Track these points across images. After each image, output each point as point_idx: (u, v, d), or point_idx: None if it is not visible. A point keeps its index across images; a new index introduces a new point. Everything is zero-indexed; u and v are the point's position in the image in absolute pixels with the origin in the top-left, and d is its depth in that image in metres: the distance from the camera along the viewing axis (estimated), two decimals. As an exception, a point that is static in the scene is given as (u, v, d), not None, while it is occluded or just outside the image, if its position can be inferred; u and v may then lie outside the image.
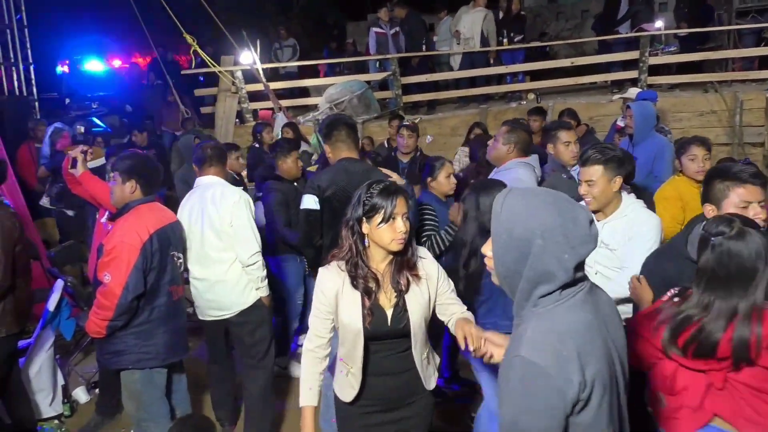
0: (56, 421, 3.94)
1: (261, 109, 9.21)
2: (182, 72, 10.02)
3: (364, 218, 2.14)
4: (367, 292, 2.17)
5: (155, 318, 3.05)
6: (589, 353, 1.38)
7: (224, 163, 3.57)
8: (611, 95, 8.78)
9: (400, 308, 2.20)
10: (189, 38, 8.26)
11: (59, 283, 4.04)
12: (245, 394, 3.63)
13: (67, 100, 14.84)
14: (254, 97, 9.56)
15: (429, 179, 3.83)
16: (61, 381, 4.07)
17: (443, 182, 3.81)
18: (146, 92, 11.84)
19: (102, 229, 3.63)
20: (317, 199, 3.15)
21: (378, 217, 2.11)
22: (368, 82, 9.37)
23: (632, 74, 8.48)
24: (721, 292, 1.92)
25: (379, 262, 2.21)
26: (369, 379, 2.24)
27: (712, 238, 1.94)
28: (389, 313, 2.20)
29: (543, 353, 1.36)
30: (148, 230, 2.97)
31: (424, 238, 3.57)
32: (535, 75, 9.83)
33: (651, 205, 3.44)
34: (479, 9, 9.17)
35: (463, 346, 2.10)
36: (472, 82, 9.46)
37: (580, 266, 1.43)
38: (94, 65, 16.11)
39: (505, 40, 9.08)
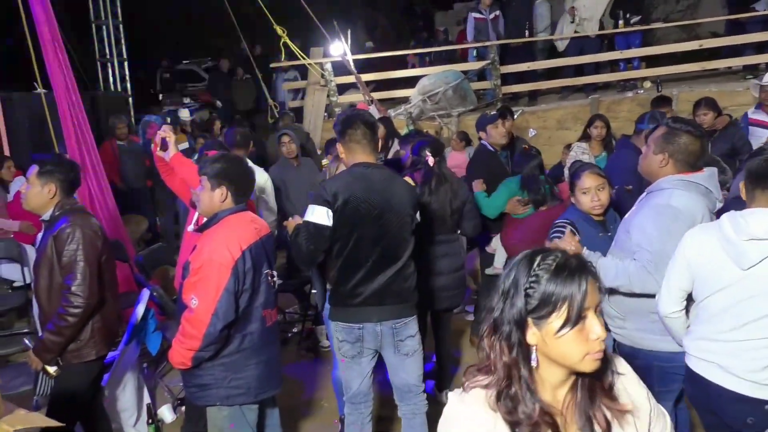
0: (140, 444, 3.63)
1: (359, 102, 8.76)
2: (271, 66, 9.75)
3: (530, 319, 1.28)
4: None
5: (247, 347, 2.61)
6: None
7: (247, 147, 4.53)
8: (745, 81, 7.69)
9: None
10: (279, 29, 7.93)
11: (145, 293, 3.72)
12: None
13: (161, 96, 15.18)
14: (342, 90, 9.18)
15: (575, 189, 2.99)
16: (146, 399, 3.76)
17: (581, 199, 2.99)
18: (236, 87, 11.77)
19: (189, 240, 3.24)
20: (330, 213, 2.73)
21: (557, 318, 1.26)
22: (464, 72, 8.73)
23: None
24: None
25: (554, 389, 1.33)
26: None
27: None
28: None
29: None
30: (241, 246, 2.52)
31: None
32: (651, 60, 8.83)
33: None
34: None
35: None
36: (579, 69, 8.59)
37: None
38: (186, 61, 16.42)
39: (621, 22, 8.14)
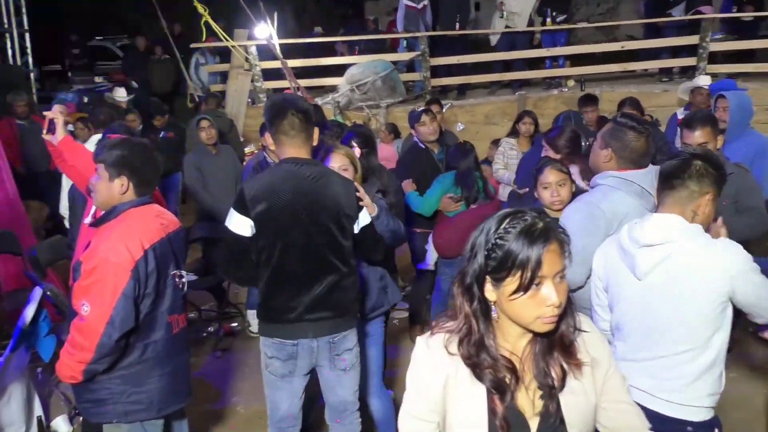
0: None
1: (281, 90, 8.42)
2: (192, 46, 9.19)
3: (488, 277, 1.33)
4: (498, 389, 1.36)
5: (150, 358, 2.32)
6: None
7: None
8: (661, 84, 7.97)
9: (552, 416, 1.38)
10: (200, 7, 7.47)
11: (37, 292, 3.32)
12: None
13: (70, 74, 14.12)
14: (268, 75, 8.80)
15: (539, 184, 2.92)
16: (38, 410, 3.36)
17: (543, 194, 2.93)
18: (153, 68, 11.05)
19: (85, 235, 2.89)
20: (249, 221, 2.41)
21: (513, 281, 1.30)
22: (394, 63, 8.57)
23: (690, 61, 7.64)
24: None
25: (515, 340, 1.40)
26: None
27: None
28: (534, 424, 1.38)
29: None
30: (143, 244, 2.23)
31: None
32: (574, 60, 9.01)
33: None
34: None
35: None
36: (508, 65, 8.63)
37: None
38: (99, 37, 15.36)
39: (548, 20, 8.23)
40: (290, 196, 2.42)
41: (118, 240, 2.19)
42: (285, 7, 13.06)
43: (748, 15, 8.15)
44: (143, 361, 2.31)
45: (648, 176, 2.38)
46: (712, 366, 1.92)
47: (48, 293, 3.43)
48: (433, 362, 1.42)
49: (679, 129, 4.26)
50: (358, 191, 2.61)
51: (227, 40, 8.21)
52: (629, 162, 2.41)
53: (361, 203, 2.60)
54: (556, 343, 1.39)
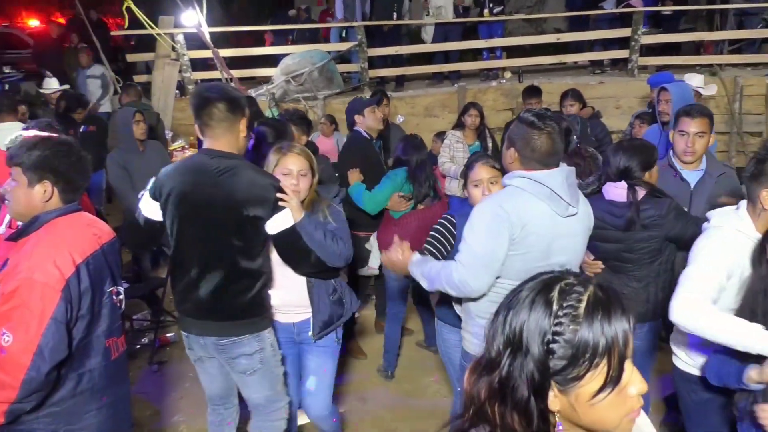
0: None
1: (210, 81, 7.97)
2: (112, 33, 8.56)
3: (554, 382, 0.97)
4: None
5: (85, 389, 2.01)
6: None
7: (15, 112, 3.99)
8: (596, 76, 8.13)
9: None
10: (121, -9, 6.93)
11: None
12: None
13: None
14: (197, 65, 8.34)
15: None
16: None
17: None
18: (69, 57, 10.26)
19: (1, 250, 2.50)
20: (158, 207, 2.45)
21: (594, 376, 0.95)
22: (330, 53, 8.31)
23: (623, 53, 7.81)
24: None
25: None
26: None
27: None
28: None
29: None
30: (74, 259, 1.91)
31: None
32: (511, 51, 9.05)
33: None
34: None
35: None
36: (446, 57, 8.56)
37: None
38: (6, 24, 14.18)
39: (485, 11, 8.20)
40: (191, 188, 2.36)
41: (45, 255, 1.87)
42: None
43: (672, 9, 8.42)
44: (78, 393, 1.99)
45: (557, 177, 2.18)
46: None
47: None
48: None
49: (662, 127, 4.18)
50: (281, 191, 2.41)
51: (152, 28, 7.68)
52: (534, 162, 2.19)
53: (281, 203, 2.39)
54: None
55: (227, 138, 2.39)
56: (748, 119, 6.99)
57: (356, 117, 4.24)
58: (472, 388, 1.04)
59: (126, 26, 7.88)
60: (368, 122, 4.14)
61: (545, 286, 0.99)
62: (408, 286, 3.86)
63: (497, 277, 2.20)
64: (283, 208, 2.39)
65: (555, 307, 0.96)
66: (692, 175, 3.16)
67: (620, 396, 0.96)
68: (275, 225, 2.39)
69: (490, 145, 5.62)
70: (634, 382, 0.97)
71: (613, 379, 0.95)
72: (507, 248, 2.16)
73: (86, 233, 2.02)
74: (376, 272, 4.10)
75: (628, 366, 0.97)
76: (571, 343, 0.94)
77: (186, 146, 7.27)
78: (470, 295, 2.22)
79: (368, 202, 3.77)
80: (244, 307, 2.45)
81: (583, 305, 0.95)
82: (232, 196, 2.33)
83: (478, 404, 1.03)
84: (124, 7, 7.14)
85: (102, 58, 8.18)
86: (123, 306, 2.19)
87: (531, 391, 0.96)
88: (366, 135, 4.19)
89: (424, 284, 2.34)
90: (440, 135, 5.95)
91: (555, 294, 0.97)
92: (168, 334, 4.54)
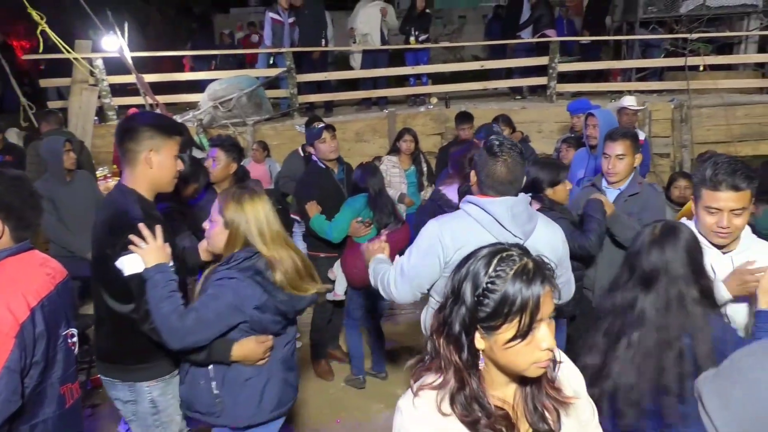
0: None
1: (131, 107, 7.67)
2: (24, 57, 8.09)
3: (479, 326, 1.22)
4: None
5: (38, 441, 1.87)
6: None
7: None
8: (518, 101, 8.52)
9: None
10: (36, 15, 6.56)
11: None
12: None
13: None
14: (116, 91, 8.01)
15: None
16: None
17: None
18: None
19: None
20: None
21: (509, 327, 1.20)
22: (258, 79, 8.23)
23: (541, 80, 8.23)
24: None
25: (503, 388, 1.31)
26: None
27: None
28: None
29: None
30: (28, 302, 1.78)
31: None
32: (436, 78, 9.33)
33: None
34: (376, 2, 8.46)
35: None
36: (374, 83, 8.70)
37: None
38: None
39: (412, 39, 8.41)
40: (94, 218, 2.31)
41: (-4, 299, 1.73)
42: (128, 19, 12.09)
43: (589, 39, 8.99)
44: (30, 447, 1.85)
45: (501, 206, 2.18)
46: None
47: None
48: (428, 427, 1.26)
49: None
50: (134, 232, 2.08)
51: (69, 52, 7.32)
52: (488, 188, 2.23)
53: (130, 246, 2.09)
54: (545, 383, 1.31)
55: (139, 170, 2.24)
56: (656, 142, 7.54)
57: (309, 148, 4.23)
58: (431, 322, 1.33)
59: (41, 50, 7.45)
60: (320, 154, 4.13)
61: (493, 253, 1.23)
62: (366, 314, 3.89)
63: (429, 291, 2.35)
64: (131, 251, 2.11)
65: (491, 268, 1.21)
66: (612, 194, 3.36)
67: (530, 347, 1.20)
68: (124, 269, 2.11)
69: (425, 169, 5.75)
70: (545, 338, 1.20)
71: (520, 333, 1.19)
72: (438, 268, 2.24)
73: (39, 273, 1.89)
74: (342, 298, 4.06)
75: (543, 324, 1.20)
76: (495, 298, 1.19)
77: (108, 174, 6.94)
78: (393, 300, 2.38)
79: (329, 231, 3.75)
80: (115, 350, 2.30)
81: (513, 271, 1.19)
82: (97, 230, 2.25)
83: (429, 335, 1.31)
84: (38, 31, 6.76)
85: (12, 82, 7.69)
86: (77, 349, 2.06)
87: (462, 329, 1.23)
88: (322, 165, 4.16)
89: (371, 278, 2.47)
90: (378, 160, 6.01)
91: (495, 260, 1.21)
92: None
